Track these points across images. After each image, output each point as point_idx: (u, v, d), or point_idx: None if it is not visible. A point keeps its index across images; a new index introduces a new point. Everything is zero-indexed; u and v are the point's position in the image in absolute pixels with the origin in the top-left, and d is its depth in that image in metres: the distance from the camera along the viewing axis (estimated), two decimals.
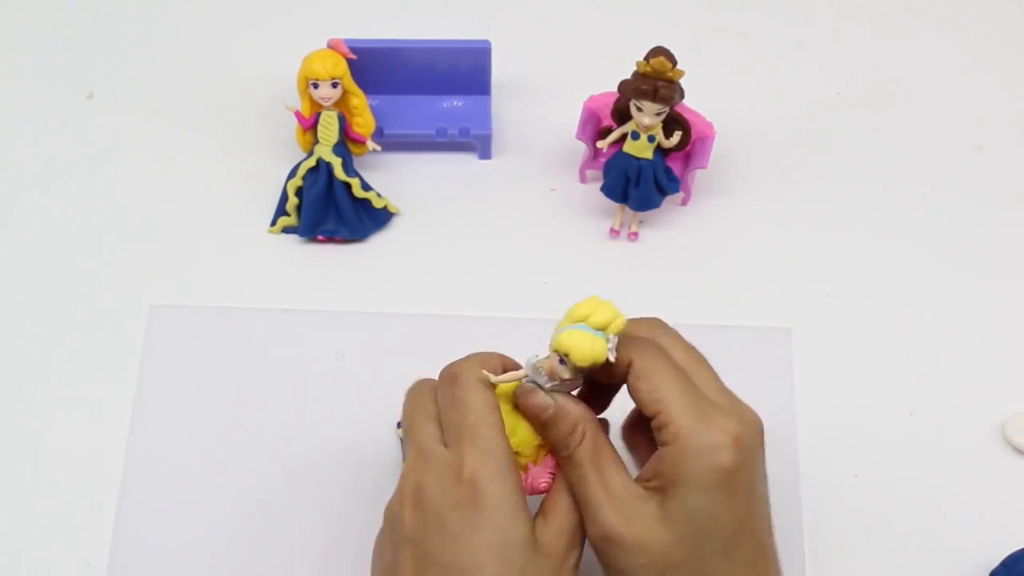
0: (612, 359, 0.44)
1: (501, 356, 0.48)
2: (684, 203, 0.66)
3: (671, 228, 0.66)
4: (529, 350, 0.48)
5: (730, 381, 0.47)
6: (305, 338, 0.61)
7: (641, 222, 0.65)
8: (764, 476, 0.46)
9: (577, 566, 0.45)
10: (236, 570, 0.55)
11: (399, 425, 0.57)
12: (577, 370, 0.45)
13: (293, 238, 0.65)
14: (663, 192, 0.63)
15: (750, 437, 0.45)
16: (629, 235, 0.65)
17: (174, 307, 0.62)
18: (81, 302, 0.63)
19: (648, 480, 0.45)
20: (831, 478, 0.58)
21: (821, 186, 0.67)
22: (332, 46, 0.62)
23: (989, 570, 0.55)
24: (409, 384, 0.50)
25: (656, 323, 0.48)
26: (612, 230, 0.65)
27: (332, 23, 0.71)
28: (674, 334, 0.48)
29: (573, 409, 0.46)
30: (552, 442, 0.46)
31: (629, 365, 0.46)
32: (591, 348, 0.44)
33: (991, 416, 0.60)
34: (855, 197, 0.67)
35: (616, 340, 0.45)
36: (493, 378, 0.46)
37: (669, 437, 0.44)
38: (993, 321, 0.63)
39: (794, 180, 0.68)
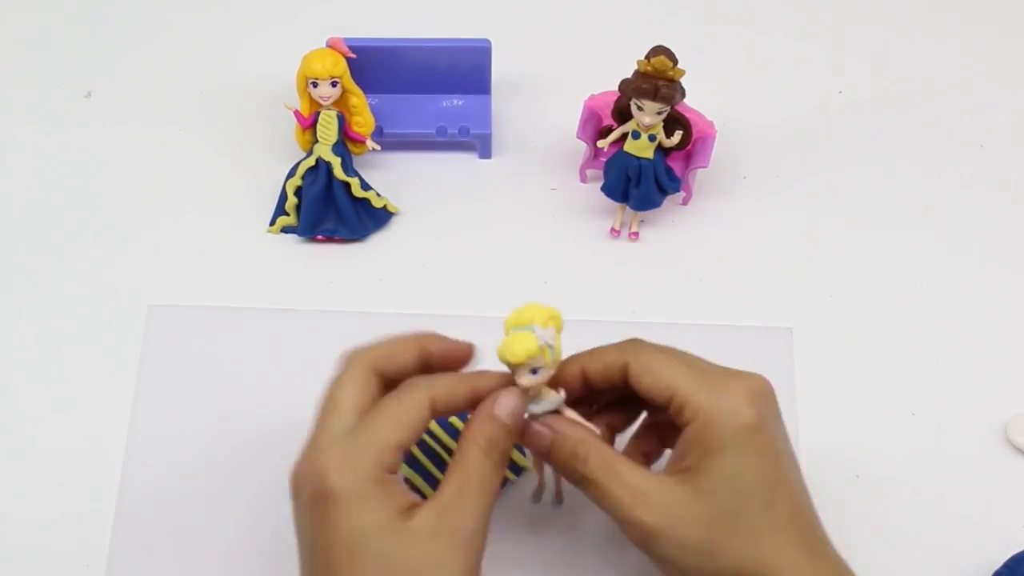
0: (547, 344, 0.45)
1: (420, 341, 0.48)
2: (685, 203, 0.66)
3: (672, 228, 0.66)
4: None
5: None
6: (304, 338, 0.61)
7: (642, 222, 0.65)
8: (785, 434, 0.47)
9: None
10: (235, 569, 0.54)
11: None
12: (528, 371, 0.46)
13: (292, 238, 0.65)
14: (664, 192, 0.63)
15: (762, 394, 0.46)
16: (629, 235, 0.65)
17: (173, 307, 0.62)
18: (80, 302, 0.63)
19: (678, 463, 0.45)
20: (832, 478, 0.57)
21: (822, 185, 0.67)
22: (331, 45, 0.62)
23: (992, 571, 0.54)
24: (408, 382, 0.50)
25: (637, 339, 0.49)
26: (612, 230, 0.65)
27: (332, 23, 0.71)
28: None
29: (570, 431, 0.47)
30: (560, 469, 0.47)
31: (627, 368, 0.47)
32: (519, 344, 0.45)
33: (994, 417, 0.59)
34: (856, 196, 0.67)
35: (551, 331, 0.46)
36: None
37: (690, 415, 0.45)
38: (996, 321, 0.63)
39: (795, 179, 0.67)
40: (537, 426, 0.47)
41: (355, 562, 0.42)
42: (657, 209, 0.64)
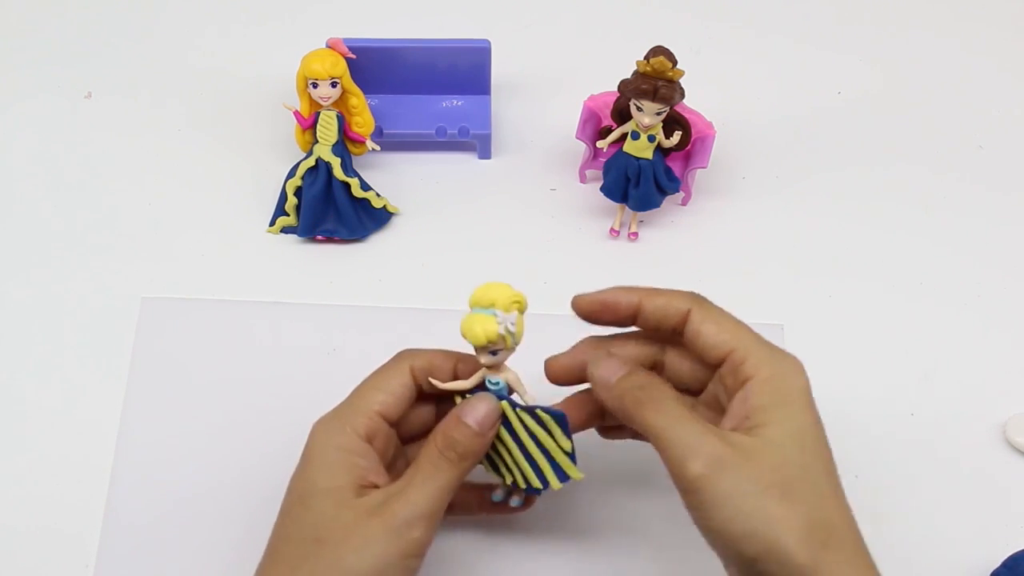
0: (506, 331, 0.47)
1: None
2: (684, 203, 0.66)
3: (671, 228, 0.66)
4: (528, 346, 0.49)
5: None
6: (297, 331, 0.61)
7: (641, 222, 0.65)
8: None
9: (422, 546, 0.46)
10: (227, 562, 0.54)
11: None
12: (487, 351, 0.48)
13: (292, 238, 0.65)
14: (663, 192, 0.63)
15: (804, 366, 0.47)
16: (629, 235, 0.65)
17: (166, 299, 0.62)
18: (80, 303, 0.63)
19: (743, 422, 0.45)
20: None
21: (821, 186, 0.67)
22: (331, 45, 0.62)
23: (990, 571, 0.55)
24: (397, 354, 0.51)
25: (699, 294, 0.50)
26: (612, 230, 0.65)
27: (332, 23, 0.71)
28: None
29: (640, 370, 0.48)
30: (625, 403, 0.46)
31: (688, 314, 0.48)
32: (481, 326, 0.47)
33: (993, 417, 0.60)
34: (856, 196, 0.67)
35: (512, 316, 0.47)
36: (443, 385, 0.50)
37: (753, 369, 0.46)
38: (995, 321, 0.63)
39: (794, 180, 0.68)
40: (611, 362, 0.48)
41: (298, 512, 0.47)
42: (656, 209, 0.64)
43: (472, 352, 0.49)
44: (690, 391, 0.50)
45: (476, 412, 0.47)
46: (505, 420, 0.50)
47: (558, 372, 0.51)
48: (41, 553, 0.55)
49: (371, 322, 0.62)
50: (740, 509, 0.42)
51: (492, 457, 0.51)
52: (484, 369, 0.49)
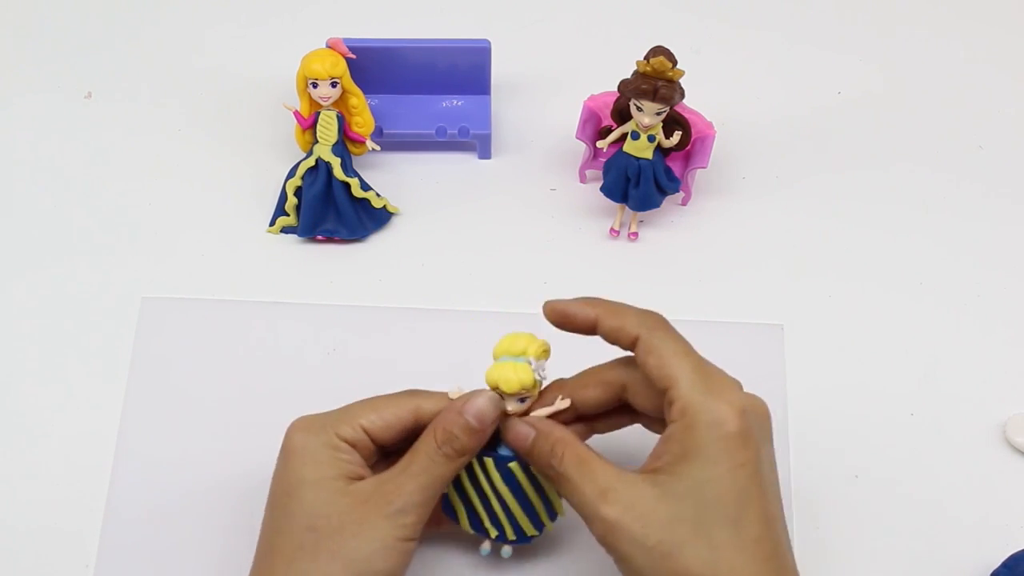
0: (541, 377, 0.48)
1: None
2: (684, 203, 0.66)
3: (671, 228, 0.66)
4: None
5: None
6: (297, 331, 0.61)
7: (641, 222, 0.65)
8: (772, 460, 0.47)
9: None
10: (227, 561, 0.54)
11: None
12: (516, 399, 0.48)
13: (292, 238, 0.65)
14: (663, 192, 0.63)
15: (755, 413, 0.46)
16: (629, 235, 0.65)
17: (166, 299, 0.62)
18: (80, 303, 0.63)
19: (653, 462, 0.46)
20: (831, 478, 0.58)
21: (822, 186, 0.67)
22: (331, 45, 0.62)
23: (990, 571, 0.55)
24: (399, 377, 0.52)
25: (659, 316, 0.49)
26: (612, 230, 0.65)
27: (332, 23, 0.71)
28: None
29: (550, 430, 0.48)
30: (540, 466, 0.48)
31: (636, 340, 0.47)
32: (515, 374, 0.47)
33: (992, 417, 0.59)
34: (856, 196, 0.67)
35: (543, 363, 0.48)
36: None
37: (676, 414, 0.45)
38: (994, 321, 0.63)
39: (794, 179, 0.67)
40: (521, 425, 0.48)
41: (287, 504, 0.47)
42: (656, 209, 0.64)
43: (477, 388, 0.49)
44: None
45: (476, 406, 0.48)
46: (507, 472, 0.50)
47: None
48: (41, 553, 0.55)
49: (371, 322, 0.62)
50: (631, 568, 0.44)
51: (477, 513, 0.51)
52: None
